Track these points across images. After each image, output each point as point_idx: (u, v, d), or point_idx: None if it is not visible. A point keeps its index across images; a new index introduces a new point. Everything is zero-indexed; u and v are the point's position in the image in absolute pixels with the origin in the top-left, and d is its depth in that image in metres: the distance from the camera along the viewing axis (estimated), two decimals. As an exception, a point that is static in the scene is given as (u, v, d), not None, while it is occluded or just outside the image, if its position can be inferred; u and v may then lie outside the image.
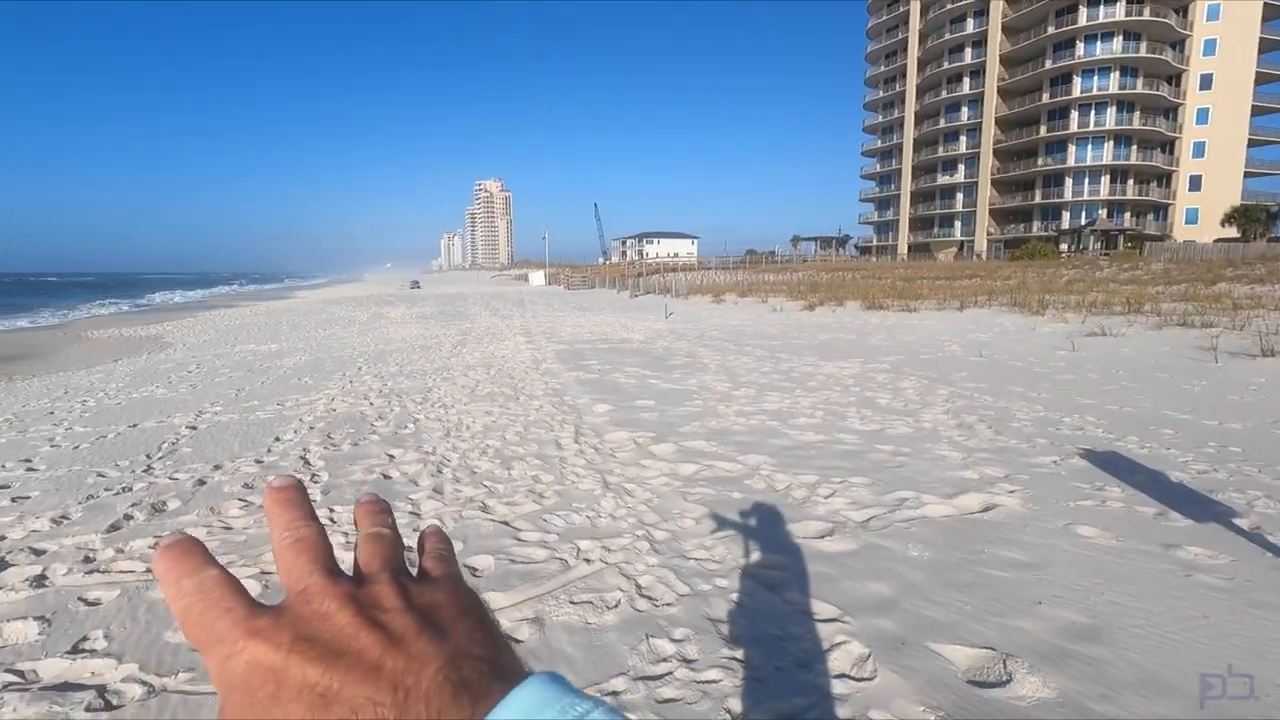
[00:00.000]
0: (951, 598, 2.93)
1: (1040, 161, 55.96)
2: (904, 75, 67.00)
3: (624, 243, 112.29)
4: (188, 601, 0.28)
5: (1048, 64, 54.35)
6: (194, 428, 6.70)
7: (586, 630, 2.76)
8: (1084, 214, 53.58)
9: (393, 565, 0.33)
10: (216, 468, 5.23)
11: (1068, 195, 54.37)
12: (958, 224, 63.02)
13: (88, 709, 2.28)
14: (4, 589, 3.24)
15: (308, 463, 5.28)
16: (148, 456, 5.65)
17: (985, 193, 59.58)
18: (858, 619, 2.78)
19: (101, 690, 2.39)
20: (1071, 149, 54.02)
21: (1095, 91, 52.41)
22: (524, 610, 2.93)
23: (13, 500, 4.63)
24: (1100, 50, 51.92)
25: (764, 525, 3.85)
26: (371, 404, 7.57)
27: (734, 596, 3.00)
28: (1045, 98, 54.84)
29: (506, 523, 3.94)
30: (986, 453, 5.12)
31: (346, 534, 3.79)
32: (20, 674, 2.52)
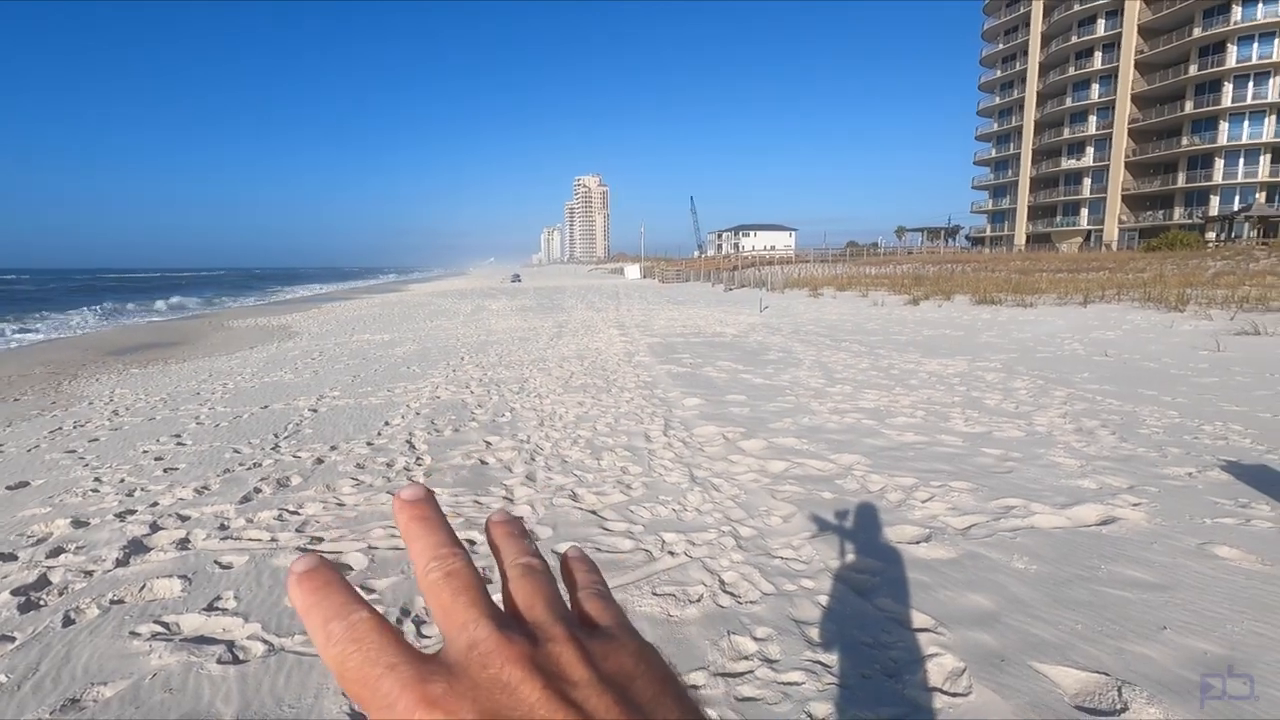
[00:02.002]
0: (1061, 616, 2.72)
1: (1185, 141, 50.41)
2: (1025, 53, 62.27)
3: (720, 236, 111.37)
4: (341, 651, 0.25)
5: (1196, 31, 48.78)
6: (315, 410, 7.27)
7: (668, 622, 2.77)
8: (1237, 199, 47.84)
9: (562, 614, 0.29)
10: (333, 448, 5.66)
11: (1218, 178, 48.71)
12: (1084, 212, 57.99)
13: (219, 661, 2.54)
14: (155, 549, 3.65)
15: (413, 446, 5.61)
16: (275, 436, 6.19)
17: (1118, 177, 54.43)
18: (954, 631, 2.64)
19: (230, 645, 2.65)
20: (1224, 126, 48.29)
21: (1255, 60, 46.51)
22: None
23: (164, 471, 5.21)
24: (1263, 13, 45.99)
25: (855, 527, 3.72)
26: (472, 392, 7.93)
27: (821, 599, 2.93)
28: (1193, 69, 49.27)
29: (594, 512, 4.03)
30: (1108, 461, 4.70)
31: (448, 512, 4.00)
32: (165, 625, 2.84)
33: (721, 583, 3.10)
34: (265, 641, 2.67)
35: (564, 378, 8.77)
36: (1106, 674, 2.33)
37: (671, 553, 3.42)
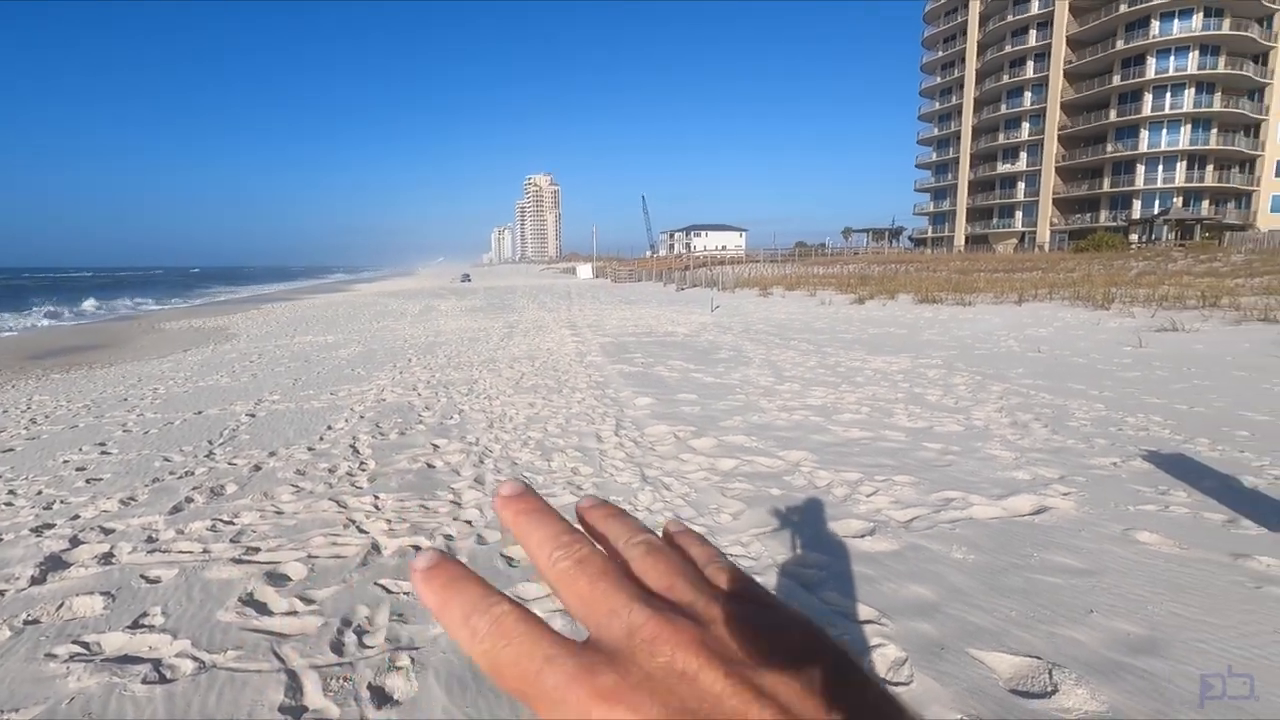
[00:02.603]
0: (997, 603, 2.82)
1: (1110, 148, 53.18)
2: (963, 60, 64.62)
3: (671, 236, 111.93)
4: (491, 647, 0.24)
5: (1119, 44, 51.55)
6: (253, 415, 6.99)
7: (618, 623, 2.76)
8: (1157, 202, 50.76)
9: (711, 592, 0.26)
10: (272, 454, 5.45)
11: (1139, 183, 51.58)
12: (1019, 214, 60.56)
13: (144, 681, 2.40)
14: (76, 564, 3.45)
15: (356, 451, 5.45)
16: (209, 443, 5.92)
17: (1049, 181, 57.04)
18: (896, 622, 2.70)
19: (157, 664, 2.52)
20: (1144, 134, 51.15)
21: (1172, 72, 49.44)
22: (556, 601, 2.94)
23: (87, 481, 4.93)
24: (1178, 29, 48.92)
25: (803, 523, 3.78)
26: (420, 395, 7.76)
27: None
28: (1116, 80, 52.02)
29: (544, 514, 3.98)
30: (1040, 453, 4.91)
31: (389, 521, 3.90)
32: (85, 645, 2.68)
33: (671, 581, 3.10)
34: (195, 659, 2.54)
35: (515, 379, 8.67)
36: (1039, 658, 2.42)
37: (622, 553, 3.41)
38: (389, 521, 3.89)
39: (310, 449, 5.56)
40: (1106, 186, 53.75)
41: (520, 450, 5.34)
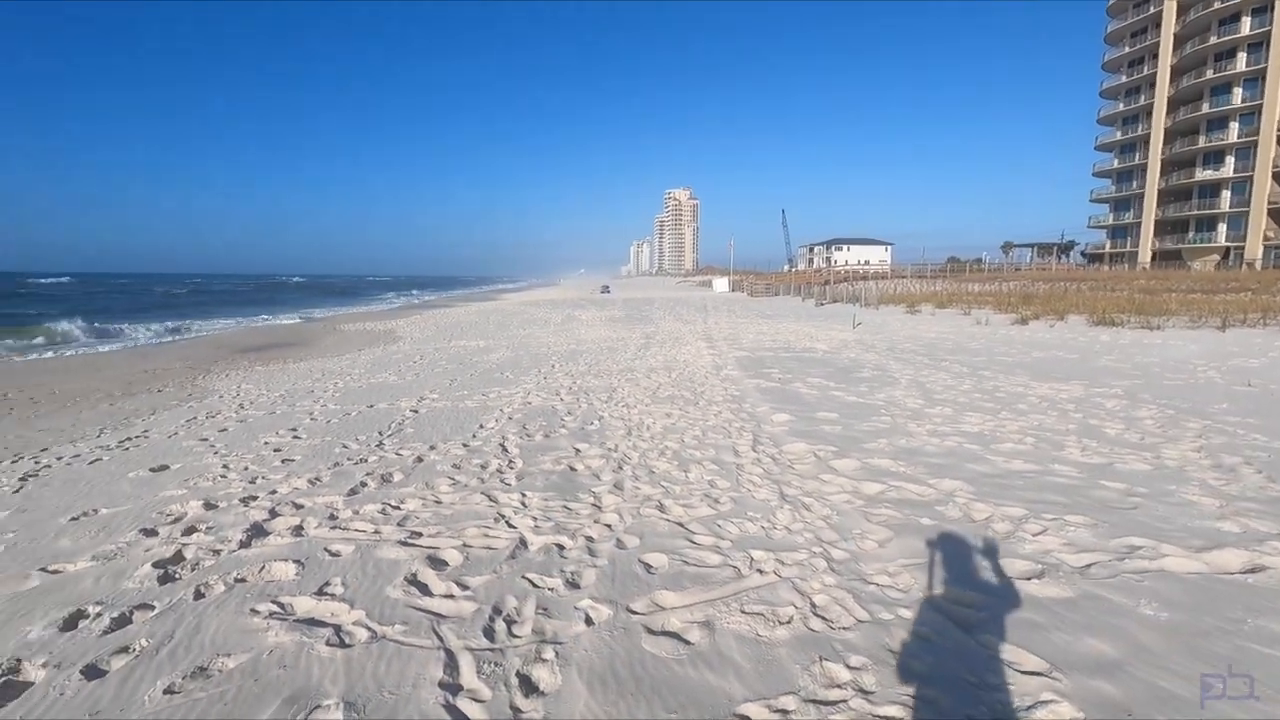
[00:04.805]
0: (1197, 670, 2.45)
1: (1348, 149, 44.90)
2: (1154, 56, 57.54)
3: (811, 249, 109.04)
4: None
5: (1364, 27, 43.55)
6: (416, 411, 7.64)
7: (757, 642, 2.71)
8: None
9: None
10: (431, 448, 5.92)
11: (1389, 189, 43.07)
12: (1222, 227, 52.71)
13: (327, 644, 2.69)
14: (274, 534, 3.94)
15: (505, 449, 5.78)
16: (380, 434, 6.55)
17: (1263, 189, 49.15)
18: (1070, 677, 2.43)
19: (338, 629, 2.81)
20: (1397, 131, 42.69)
21: None
22: (695, 613, 2.95)
23: (282, 461, 5.62)
24: None
25: (958, 557, 3.51)
26: (562, 400, 8.10)
27: (920, 630, 2.78)
28: (1359, 69, 43.94)
29: (681, 524, 4.00)
30: (1254, 502, 4.22)
31: (535, 518, 4.10)
32: (281, 606, 3.05)
33: (813, 605, 3.00)
34: (368, 629, 2.81)
35: (651, 388, 8.81)
36: (1255, 741, 2.08)
37: (760, 570, 3.34)
38: (535, 519, 4.09)
39: (465, 445, 5.98)
40: (1342, 194, 45.39)
41: (657, 459, 5.41)
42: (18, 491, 5.13)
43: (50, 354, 17.56)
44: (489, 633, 2.78)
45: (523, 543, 3.73)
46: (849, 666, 2.53)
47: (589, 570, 3.38)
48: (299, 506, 4.43)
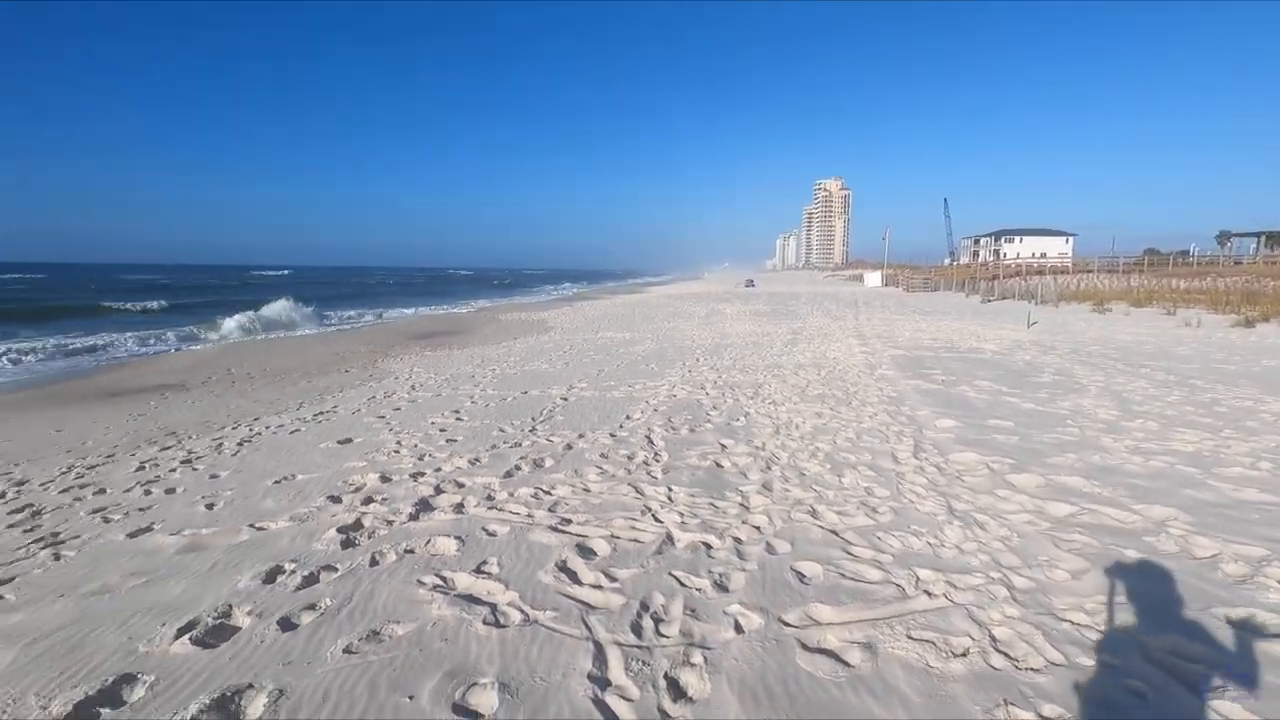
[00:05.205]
0: None
1: None
2: None
3: (976, 241, 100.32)
4: None
5: None
6: (565, 399, 7.89)
7: (928, 674, 2.44)
8: None
9: None
10: (580, 436, 6.06)
11: None
12: None
13: (484, 622, 2.79)
14: (438, 510, 4.19)
15: (651, 442, 5.78)
16: (532, 419, 6.82)
17: None
18: (1348, 770, 1.94)
19: (494, 609, 2.90)
20: None
21: None
22: (854, 632, 2.72)
23: (446, 441, 6.01)
24: None
25: (1175, 600, 2.97)
26: (707, 394, 8.00)
27: (1131, 683, 2.36)
28: None
29: (836, 532, 3.75)
30: None
31: (681, 514, 4.03)
32: (444, 580, 3.21)
33: (993, 639, 2.66)
34: (522, 611, 2.88)
35: (799, 385, 8.47)
36: None
37: (929, 593, 3.03)
38: (681, 515, 4.02)
39: (612, 435, 6.06)
40: None
41: (808, 461, 5.15)
42: (235, 455, 5.90)
43: (261, 337, 20.33)
44: (636, 629, 2.74)
45: (669, 538, 3.67)
46: (1041, 716, 2.20)
47: (737, 573, 3.24)
48: (460, 485, 4.69)
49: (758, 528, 3.84)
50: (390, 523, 3.97)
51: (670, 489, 4.51)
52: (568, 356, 12.24)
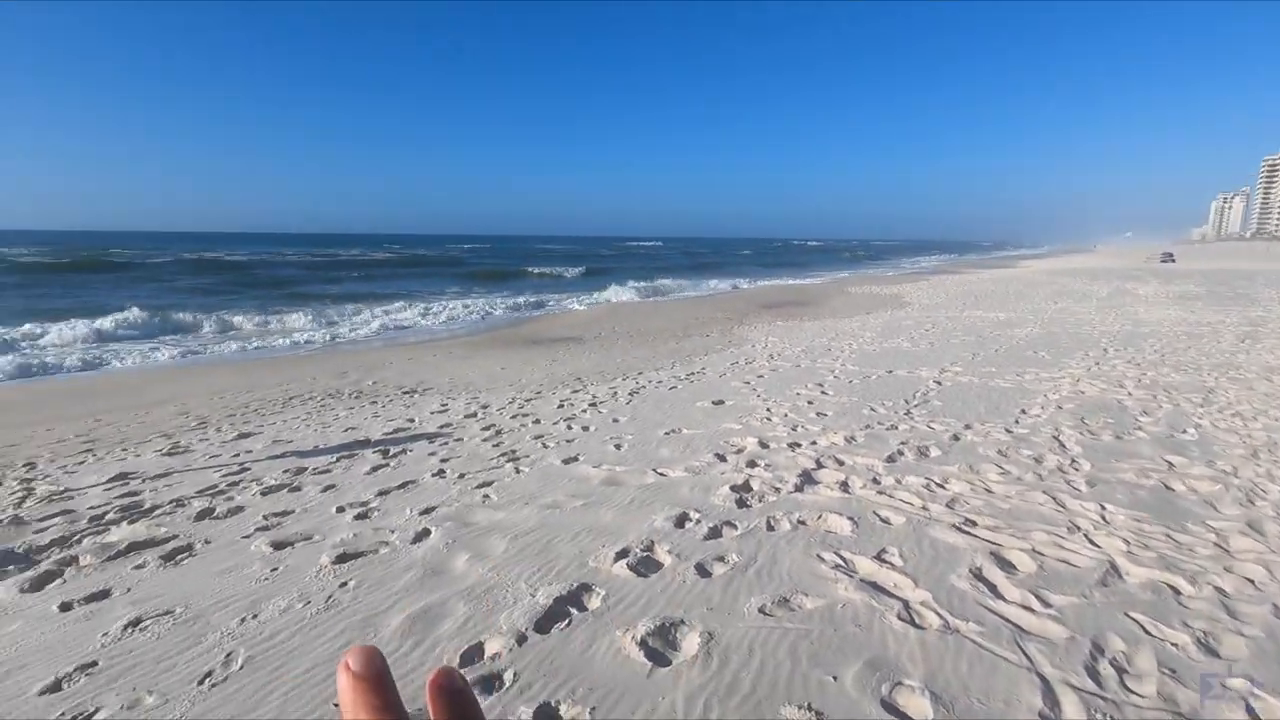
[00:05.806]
0: None
1: None
2: None
3: None
4: None
5: None
6: (939, 383, 7.19)
7: None
8: None
9: None
10: (967, 426, 5.42)
11: None
12: None
13: (898, 617, 2.61)
14: (822, 484, 4.12)
15: (1062, 445, 4.88)
16: (905, 401, 6.35)
17: None
18: None
19: (906, 605, 2.70)
20: None
21: None
22: None
23: (816, 414, 5.94)
24: None
25: None
26: (1130, 394, 6.50)
27: None
28: None
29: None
30: None
31: (1126, 541, 3.28)
32: (843, 560, 3.11)
33: None
34: (939, 615, 2.62)
35: (1274, 394, 6.33)
36: None
37: None
38: (1126, 542, 3.27)
39: (1007, 430, 5.29)
40: None
41: (1319, 502, 3.77)
42: (628, 403, 6.71)
43: (638, 300, 23.08)
44: (1093, 673, 2.27)
45: (1114, 569, 3.01)
46: None
47: (1232, 637, 2.48)
48: (840, 463, 4.56)
49: (1251, 580, 2.91)
50: (777, 490, 4.04)
51: (1103, 506, 3.71)
52: (931, 335, 11.21)
